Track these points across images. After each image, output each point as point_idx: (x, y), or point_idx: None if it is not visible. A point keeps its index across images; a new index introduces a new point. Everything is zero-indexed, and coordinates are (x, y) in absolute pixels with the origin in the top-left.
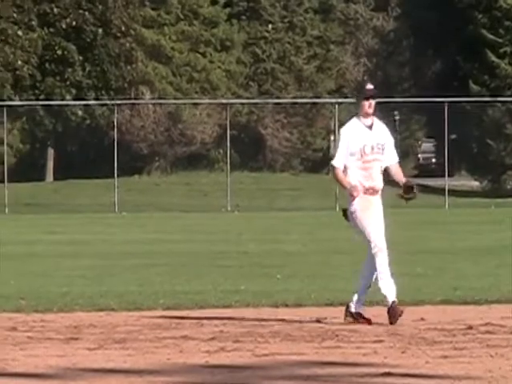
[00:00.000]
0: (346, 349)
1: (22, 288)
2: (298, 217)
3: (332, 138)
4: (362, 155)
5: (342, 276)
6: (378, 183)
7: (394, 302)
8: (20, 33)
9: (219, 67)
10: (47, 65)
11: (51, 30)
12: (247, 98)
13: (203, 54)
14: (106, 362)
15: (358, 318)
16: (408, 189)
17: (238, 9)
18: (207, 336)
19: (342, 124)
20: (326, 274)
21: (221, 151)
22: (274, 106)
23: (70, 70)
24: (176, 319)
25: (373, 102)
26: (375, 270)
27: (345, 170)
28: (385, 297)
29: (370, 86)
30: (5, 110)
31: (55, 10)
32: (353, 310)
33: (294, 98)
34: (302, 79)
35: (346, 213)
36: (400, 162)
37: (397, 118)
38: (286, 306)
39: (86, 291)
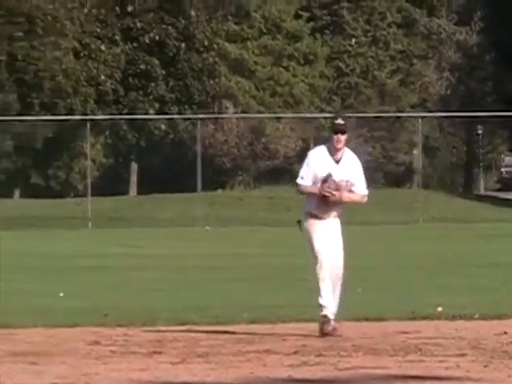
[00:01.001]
0: (429, 362)
1: (105, 302)
2: (380, 230)
3: (415, 151)
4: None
5: (424, 289)
6: (330, 214)
7: (325, 316)
8: (103, 47)
9: (302, 81)
10: (130, 79)
11: (134, 44)
12: (330, 112)
13: (286, 68)
14: (188, 377)
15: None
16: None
17: (322, 23)
18: (290, 350)
19: (425, 138)
20: (407, 287)
21: None
22: (357, 119)
23: (153, 84)
24: (259, 333)
25: (342, 136)
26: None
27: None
28: (320, 307)
29: (339, 121)
30: (88, 124)
31: (138, 24)
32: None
33: (377, 112)
34: (385, 93)
35: (300, 223)
36: (478, 176)
37: (480, 132)
38: (367, 319)
39: (168, 305)
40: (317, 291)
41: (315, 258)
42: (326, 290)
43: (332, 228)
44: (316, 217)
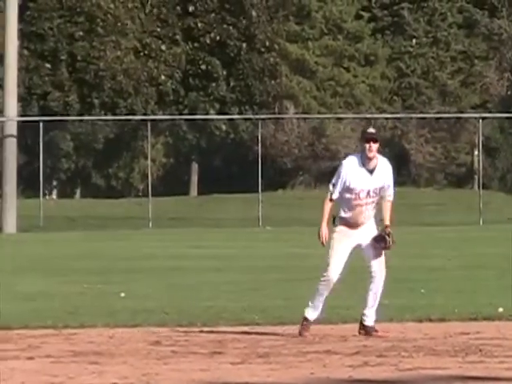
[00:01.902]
0: (489, 363)
1: (166, 302)
2: (442, 231)
3: (476, 152)
4: (355, 198)
5: (485, 291)
6: (363, 221)
7: (306, 318)
8: (164, 47)
9: (363, 82)
10: (191, 79)
11: (195, 44)
12: (391, 113)
13: (347, 69)
14: (249, 377)
15: (370, 331)
16: (380, 237)
17: (383, 24)
18: (351, 350)
19: (486, 138)
20: (469, 288)
21: None
22: (418, 120)
23: (213, 84)
24: (320, 334)
25: (374, 145)
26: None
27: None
28: (306, 310)
29: (370, 130)
30: (149, 124)
31: (199, 24)
32: (366, 323)
33: (438, 112)
34: (446, 94)
35: (335, 220)
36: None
37: None
38: (430, 320)
39: (229, 305)
40: (311, 296)
41: (326, 271)
42: (318, 302)
43: (366, 233)
44: (348, 224)
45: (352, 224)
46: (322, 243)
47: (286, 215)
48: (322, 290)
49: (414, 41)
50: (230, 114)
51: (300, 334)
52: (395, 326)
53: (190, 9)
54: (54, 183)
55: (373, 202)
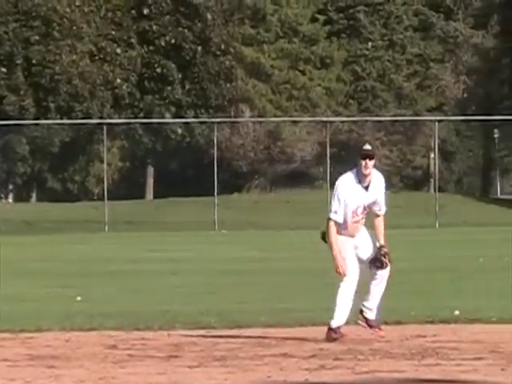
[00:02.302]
0: (445, 366)
1: (123, 306)
2: (399, 234)
3: (432, 155)
4: (353, 216)
5: (442, 293)
6: (357, 234)
7: (332, 329)
8: (119, 51)
9: (319, 85)
10: (146, 83)
11: (150, 47)
12: (347, 116)
13: (303, 72)
14: (206, 380)
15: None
16: (375, 259)
17: (338, 27)
18: (307, 354)
19: (442, 141)
20: (426, 291)
21: (321, 169)
22: (374, 123)
23: (169, 87)
24: (276, 337)
25: (370, 162)
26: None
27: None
28: (334, 321)
29: (367, 147)
30: (104, 128)
31: (154, 27)
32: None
33: (394, 115)
34: (402, 97)
35: (324, 235)
36: (495, 180)
37: (496, 135)
38: (386, 323)
39: (186, 309)
40: (337, 304)
41: (345, 276)
42: (347, 307)
43: (362, 238)
44: (344, 235)
45: (347, 236)
46: (344, 273)
47: (241, 219)
48: (349, 294)
49: (369, 44)
50: (186, 118)
51: (334, 339)
52: (352, 329)
53: (145, 12)
54: (10, 187)
55: (366, 214)
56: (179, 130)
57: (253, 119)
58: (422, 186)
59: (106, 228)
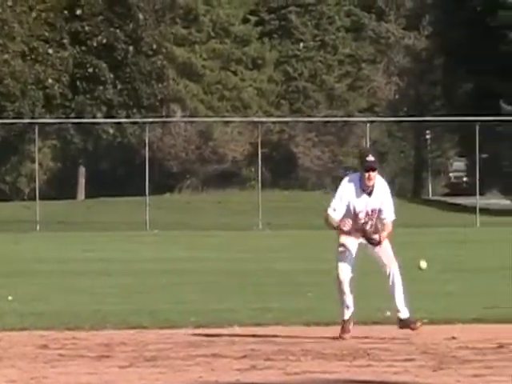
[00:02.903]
0: (377, 367)
1: (55, 306)
2: (329, 235)
3: None
4: (355, 218)
5: (374, 295)
6: (368, 232)
7: (343, 320)
8: (51, 51)
9: (251, 85)
10: (78, 83)
11: (82, 48)
12: (278, 117)
13: (234, 72)
14: (137, 380)
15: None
16: (370, 239)
17: (270, 27)
18: (239, 354)
19: (374, 142)
20: (358, 292)
21: (252, 169)
22: (306, 124)
23: (101, 88)
24: (207, 337)
25: (373, 173)
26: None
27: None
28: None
29: (370, 158)
30: (36, 127)
31: (87, 28)
32: (402, 317)
33: (326, 116)
34: (334, 98)
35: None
36: (426, 181)
37: (428, 136)
38: (317, 324)
39: (117, 309)
40: (339, 297)
41: (338, 273)
42: (347, 300)
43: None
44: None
45: (354, 238)
46: (349, 227)
47: (173, 219)
48: (344, 289)
49: (301, 44)
50: (118, 118)
51: (340, 336)
52: (283, 330)
53: (78, 12)
54: None
55: (372, 221)
56: (111, 130)
57: (184, 119)
58: None
59: (38, 228)
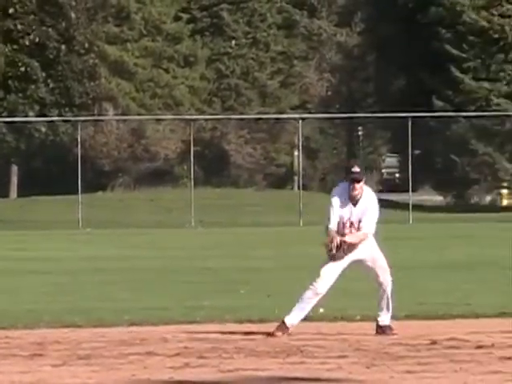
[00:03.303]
0: (310, 364)
1: None
2: (262, 232)
3: (296, 153)
4: (341, 227)
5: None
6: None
7: (285, 323)
8: None
9: (182, 83)
10: (10, 82)
11: (14, 46)
12: (211, 114)
13: (166, 70)
14: (70, 379)
15: (386, 330)
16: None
17: (202, 25)
18: (172, 352)
19: (306, 139)
20: (289, 289)
21: (185, 167)
22: (238, 121)
23: (33, 86)
24: (141, 335)
25: (357, 185)
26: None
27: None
28: (288, 314)
29: (355, 169)
30: None
31: (19, 26)
32: (382, 324)
33: (258, 113)
34: (266, 95)
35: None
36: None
37: (360, 133)
38: (251, 321)
39: (50, 308)
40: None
41: (316, 282)
42: (304, 310)
43: (363, 248)
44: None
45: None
46: (335, 245)
47: (106, 217)
48: (310, 299)
49: (233, 42)
50: (50, 116)
51: (273, 334)
52: (216, 327)
53: (10, 11)
54: None
55: (355, 230)
56: (43, 129)
57: (116, 117)
58: (286, 184)
59: None
